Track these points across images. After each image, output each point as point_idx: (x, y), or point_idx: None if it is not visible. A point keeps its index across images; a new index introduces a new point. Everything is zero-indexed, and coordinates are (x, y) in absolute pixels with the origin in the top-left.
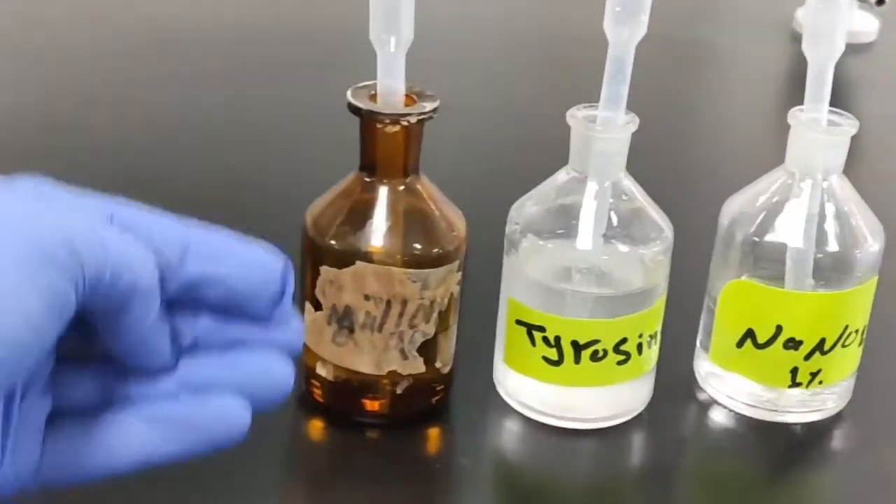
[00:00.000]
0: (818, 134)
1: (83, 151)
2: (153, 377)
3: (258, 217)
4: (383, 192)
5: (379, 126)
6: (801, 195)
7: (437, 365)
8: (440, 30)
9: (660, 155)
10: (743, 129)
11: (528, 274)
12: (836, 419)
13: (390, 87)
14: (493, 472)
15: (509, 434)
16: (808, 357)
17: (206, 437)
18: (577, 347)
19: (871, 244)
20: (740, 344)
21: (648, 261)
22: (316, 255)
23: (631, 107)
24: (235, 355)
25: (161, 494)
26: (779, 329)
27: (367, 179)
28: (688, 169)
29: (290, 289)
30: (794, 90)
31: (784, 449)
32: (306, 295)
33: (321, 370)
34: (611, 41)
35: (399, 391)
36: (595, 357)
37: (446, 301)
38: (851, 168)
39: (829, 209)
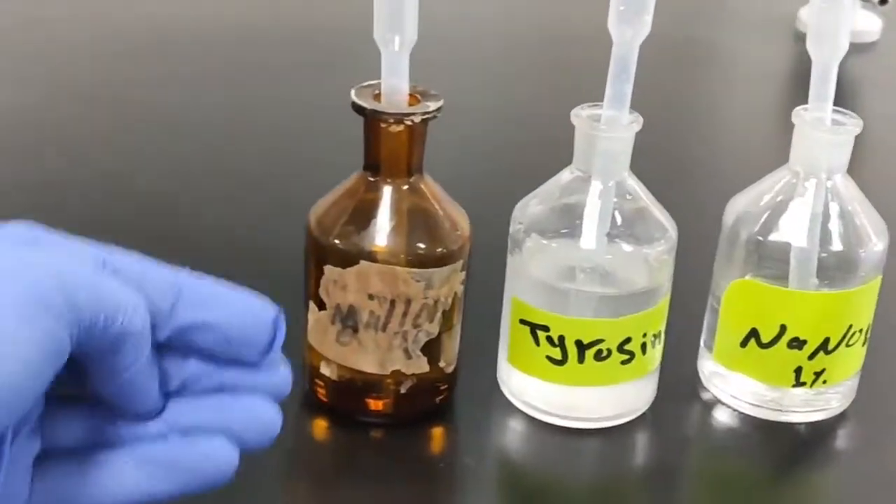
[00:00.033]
0: (822, 133)
1: (83, 151)
2: (142, 419)
3: (261, 217)
4: (387, 192)
5: (383, 125)
6: (806, 194)
7: (441, 364)
8: (440, 30)
9: (664, 154)
10: (746, 128)
11: (531, 273)
12: (840, 419)
13: (394, 87)
14: (497, 472)
15: (513, 433)
16: (812, 356)
17: (195, 477)
18: (581, 347)
19: (875, 243)
20: (744, 343)
21: (652, 260)
22: (320, 255)
23: (635, 106)
24: (224, 399)
25: None
26: (783, 328)
27: (371, 179)
28: (692, 168)
29: (281, 338)
30: (798, 89)
31: (788, 449)
32: (310, 294)
33: (325, 370)
34: (615, 40)
35: (403, 391)
36: (599, 356)
37: (450, 300)
38: (855, 167)
39: (834, 208)
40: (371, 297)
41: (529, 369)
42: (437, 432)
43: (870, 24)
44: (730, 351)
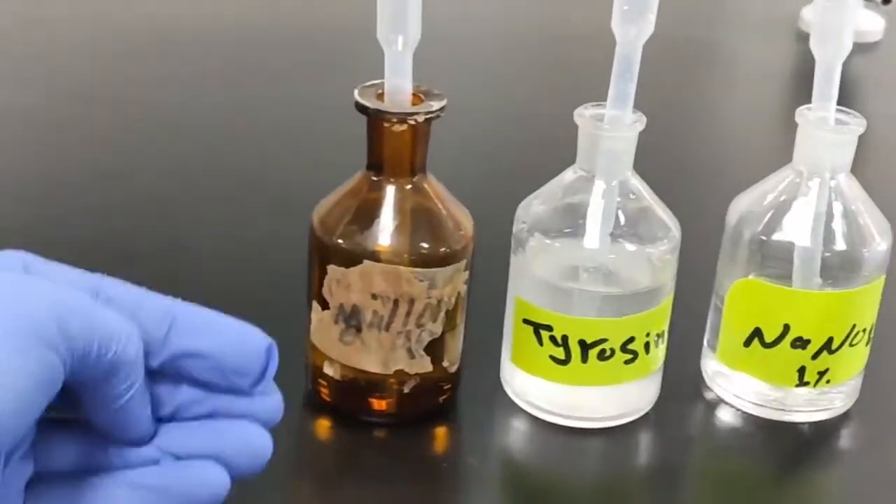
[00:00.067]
0: (826, 133)
1: (83, 151)
2: (135, 444)
3: (261, 217)
4: (390, 191)
5: (386, 125)
6: (809, 194)
7: (445, 364)
8: (441, 30)
9: (667, 154)
10: (749, 127)
11: (535, 273)
12: (843, 418)
13: (398, 86)
14: (501, 472)
15: (516, 433)
16: (815, 356)
17: (187, 502)
18: (585, 346)
19: (879, 243)
20: (748, 343)
21: (656, 260)
22: (323, 255)
23: (638, 106)
24: (215, 425)
25: None
26: (786, 328)
27: (375, 178)
28: (695, 168)
29: (274, 367)
30: (800, 89)
31: (791, 448)
32: (314, 294)
33: (328, 369)
34: (618, 40)
35: (406, 390)
36: (602, 356)
37: (453, 300)
38: (858, 167)
39: (837, 208)
40: (374, 296)
41: (533, 369)
42: (441, 432)
43: (873, 24)
44: (733, 350)
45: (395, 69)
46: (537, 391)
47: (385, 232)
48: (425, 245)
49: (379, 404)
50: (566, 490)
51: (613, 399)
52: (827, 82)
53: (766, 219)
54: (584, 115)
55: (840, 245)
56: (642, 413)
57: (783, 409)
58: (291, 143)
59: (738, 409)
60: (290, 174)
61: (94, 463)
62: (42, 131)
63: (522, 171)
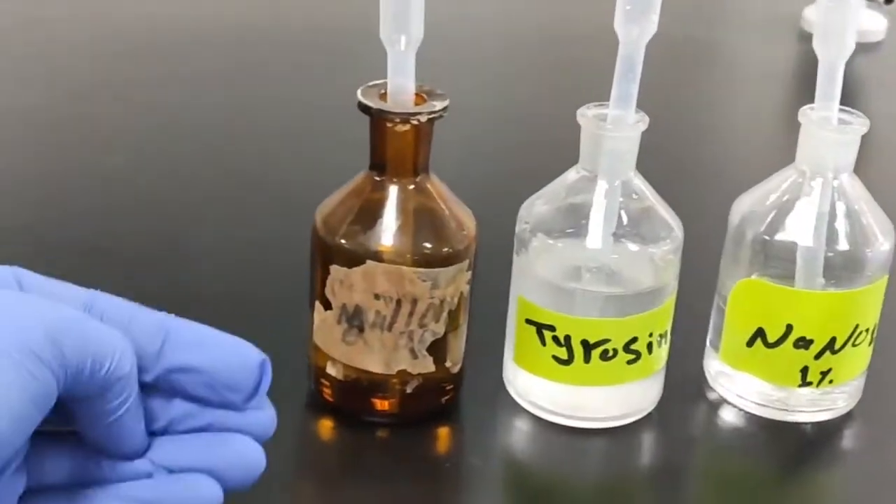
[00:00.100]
0: (829, 132)
1: (83, 152)
2: (128, 458)
3: (262, 217)
4: (393, 191)
5: (389, 125)
6: (812, 194)
7: (447, 364)
8: (441, 30)
9: (670, 154)
10: (752, 127)
11: (537, 273)
12: (846, 418)
13: (400, 86)
14: (503, 472)
15: (519, 433)
16: (818, 356)
17: None
18: (587, 346)
19: (882, 243)
20: (750, 343)
21: (658, 260)
22: (326, 255)
23: (640, 106)
24: (208, 438)
25: None
26: (789, 328)
27: (377, 178)
28: (698, 168)
29: (267, 382)
30: (803, 89)
31: (794, 448)
32: (316, 294)
33: (331, 369)
34: (621, 40)
35: (409, 390)
36: (605, 356)
37: (456, 300)
38: (861, 167)
39: (840, 208)
40: (377, 296)
41: (535, 369)
42: (443, 432)
43: (875, 24)
44: (736, 350)
45: (398, 69)
46: (540, 391)
47: (388, 232)
48: (428, 245)
49: (381, 404)
50: (569, 490)
51: (616, 399)
52: (830, 82)
53: (768, 219)
54: (586, 115)
55: (843, 245)
56: (645, 413)
57: (786, 410)
58: (293, 144)
59: (740, 410)
60: (291, 174)
61: (87, 476)
62: (42, 131)
63: (525, 172)
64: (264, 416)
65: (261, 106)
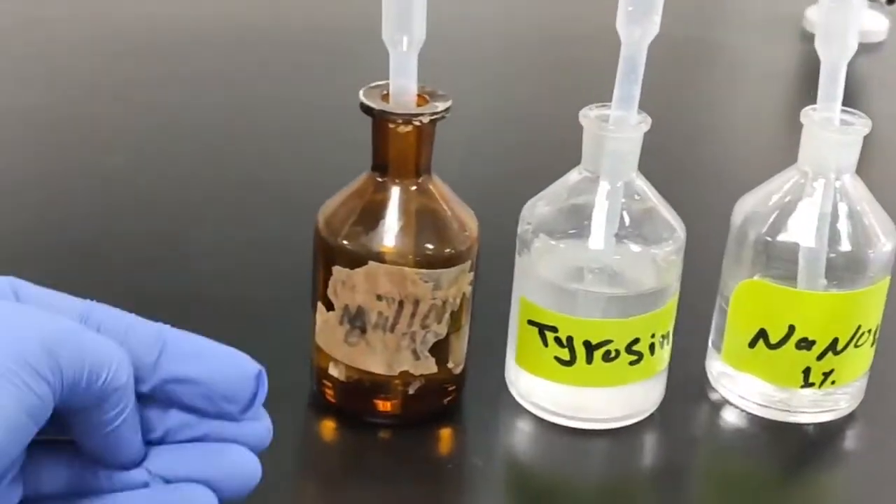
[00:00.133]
0: (831, 133)
1: (83, 152)
2: (125, 468)
3: (262, 218)
4: (395, 192)
5: (391, 126)
6: (814, 194)
7: (449, 365)
8: (441, 30)
9: (672, 155)
10: (754, 128)
11: (540, 274)
12: (848, 419)
13: (402, 87)
14: (505, 473)
15: (521, 434)
16: (820, 357)
17: None
18: (590, 347)
19: (884, 244)
20: (752, 344)
21: (661, 261)
22: (328, 256)
23: (642, 106)
24: (205, 448)
25: None
26: (791, 329)
27: (380, 179)
28: (700, 169)
29: (263, 393)
30: (805, 89)
31: (796, 449)
32: (318, 295)
33: (333, 370)
34: (623, 41)
35: (411, 391)
36: (607, 357)
37: (458, 301)
38: (864, 167)
39: (842, 208)
40: (379, 297)
41: (537, 370)
42: (445, 433)
43: (877, 24)
44: (738, 351)
45: (400, 70)
46: (542, 392)
47: (390, 233)
48: (430, 246)
49: (384, 405)
50: (571, 491)
51: (618, 400)
52: (832, 83)
53: (770, 219)
54: (589, 116)
55: (845, 246)
56: (647, 414)
57: (788, 410)
58: (294, 144)
59: (742, 410)
60: (293, 175)
61: (83, 486)
62: (42, 131)
63: (527, 172)
64: (260, 426)
65: (261, 106)
